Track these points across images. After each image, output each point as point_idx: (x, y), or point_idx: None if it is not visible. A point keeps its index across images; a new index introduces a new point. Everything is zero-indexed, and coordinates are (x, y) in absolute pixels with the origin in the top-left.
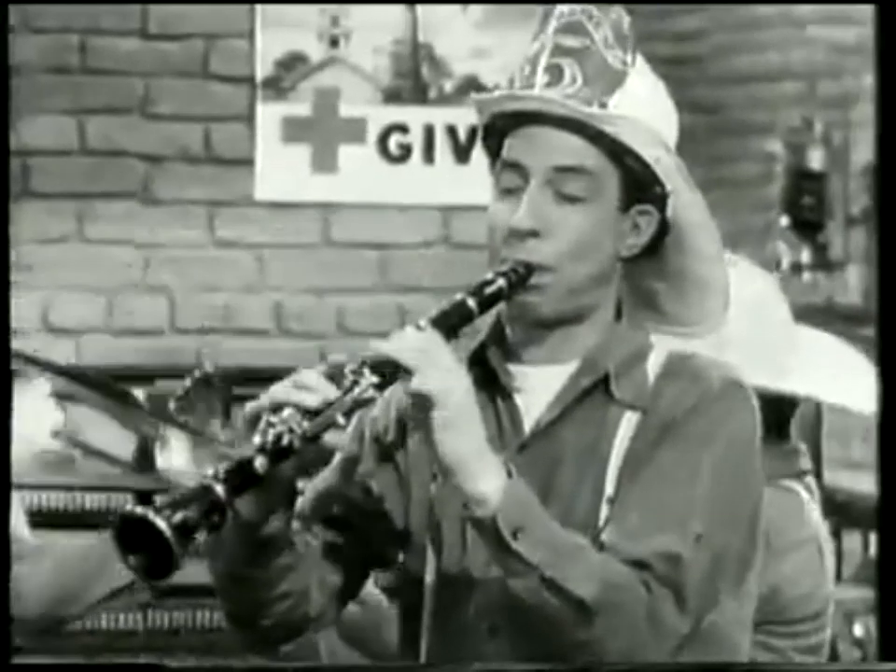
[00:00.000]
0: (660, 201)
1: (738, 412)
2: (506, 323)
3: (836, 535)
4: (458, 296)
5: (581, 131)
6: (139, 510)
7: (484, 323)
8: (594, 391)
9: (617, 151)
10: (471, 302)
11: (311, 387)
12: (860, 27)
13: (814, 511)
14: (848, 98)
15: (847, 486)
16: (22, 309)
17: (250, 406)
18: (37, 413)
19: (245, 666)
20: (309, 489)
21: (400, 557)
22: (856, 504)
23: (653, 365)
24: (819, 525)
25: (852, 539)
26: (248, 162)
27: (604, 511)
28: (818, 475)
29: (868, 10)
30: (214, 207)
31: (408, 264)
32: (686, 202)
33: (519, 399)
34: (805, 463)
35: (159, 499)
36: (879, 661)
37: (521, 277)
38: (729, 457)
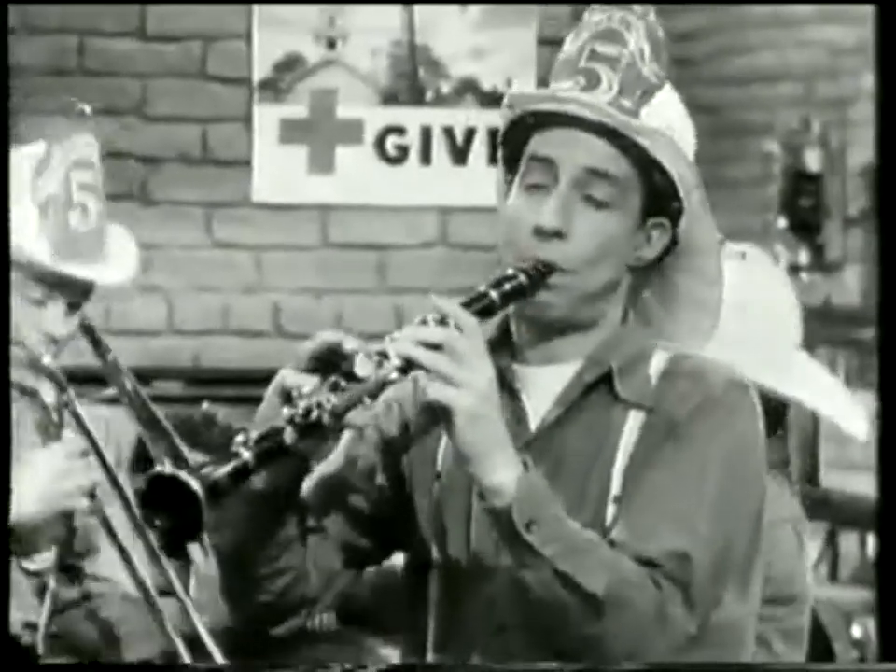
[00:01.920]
0: (675, 216)
1: (742, 411)
2: (513, 323)
3: (833, 535)
4: (481, 288)
5: (614, 138)
6: (169, 469)
7: (490, 323)
8: (598, 389)
9: (645, 163)
10: (494, 294)
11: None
12: (857, 28)
13: (785, 491)
14: (846, 99)
15: (844, 487)
16: None
17: (286, 377)
18: None
19: (246, 667)
20: (314, 473)
21: (401, 553)
22: (853, 505)
23: (656, 365)
24: (794, 507)
25: (849, 540)
26: (246, 164)
27: (611, 510)
28: (814, 476)
29: (865, 10)
30: (211, 208)
31: (405, 265)
32: (698, 222)
33: (525, 398)
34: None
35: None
36: (879, 661)
37: (541, 275)
38: (734, 457)
